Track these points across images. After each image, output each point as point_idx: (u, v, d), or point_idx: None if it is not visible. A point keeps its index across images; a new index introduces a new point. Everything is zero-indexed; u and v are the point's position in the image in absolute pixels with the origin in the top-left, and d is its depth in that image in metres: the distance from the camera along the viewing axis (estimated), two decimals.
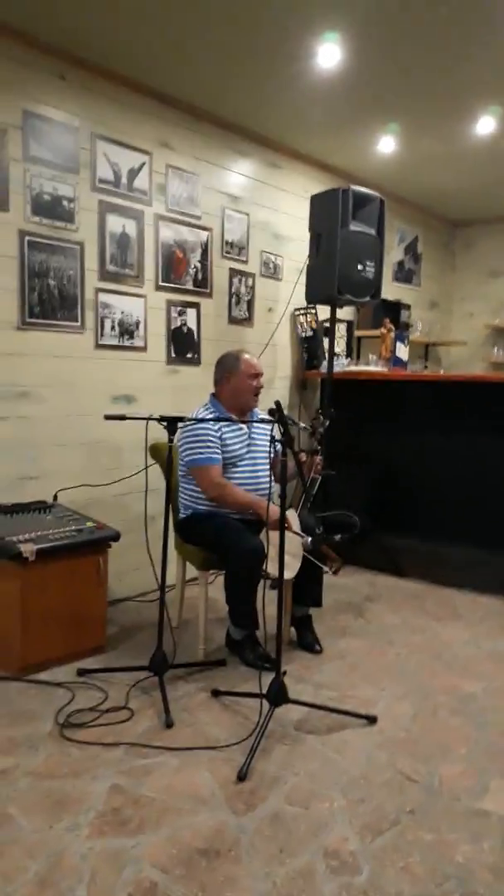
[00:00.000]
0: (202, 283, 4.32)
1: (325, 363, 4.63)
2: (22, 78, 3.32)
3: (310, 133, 4.55)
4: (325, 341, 4.69)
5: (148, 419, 2.85)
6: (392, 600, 4.13)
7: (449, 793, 2.28)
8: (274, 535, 2.75)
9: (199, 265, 4.29)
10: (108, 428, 3.50)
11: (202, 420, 3.22)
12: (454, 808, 2.20)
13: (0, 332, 3.34)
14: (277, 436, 2.64)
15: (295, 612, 3.39)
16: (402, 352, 5.13)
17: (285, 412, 2.66)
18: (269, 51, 3.41)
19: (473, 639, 3.57)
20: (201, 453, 3.21)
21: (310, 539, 2.97)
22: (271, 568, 2.86)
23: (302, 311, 5.03)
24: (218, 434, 3.26)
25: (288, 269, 4.91)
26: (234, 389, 3.38)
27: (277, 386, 4.95)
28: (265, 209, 4.73)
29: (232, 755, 2.44)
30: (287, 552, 2.66)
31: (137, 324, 3.95)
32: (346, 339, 5.49)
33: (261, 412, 3.43)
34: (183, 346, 4.24)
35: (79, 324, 3.65)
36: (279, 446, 2.65)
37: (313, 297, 4.25)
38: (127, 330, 3.89)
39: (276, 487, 2.85)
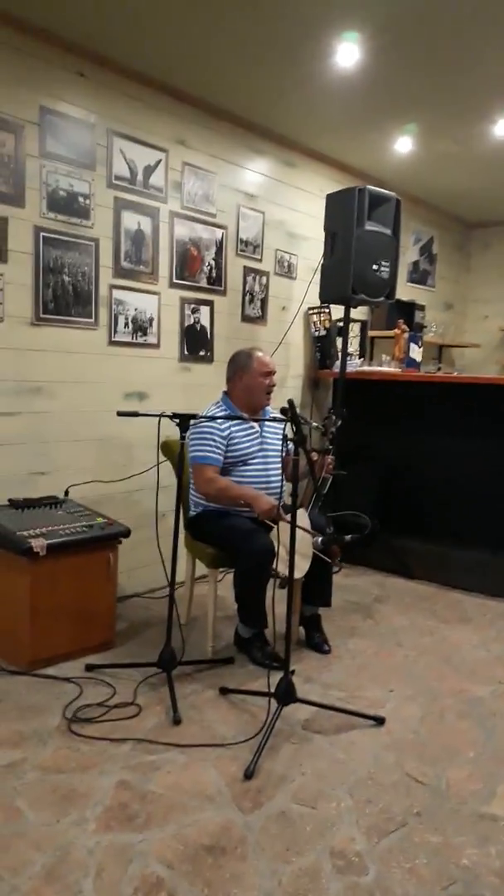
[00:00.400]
0: (216, 281, 4.32)
1: (337, 363, 4.62)
2: (40, 74, 3.33)
3: (326, 132, 4.55)
4: (339, 341, 4.68)
5: (160, 416, 2.85)
6: (401, 602, 4.12)
7: (456, 796, 2.27)
8: (284, 535, 2.75)
9: (213, 263, 4.29)
10: (119, 424, 3.51)
11: (213, 418, 3.22)
12: (461, 812, 2.19)
13: (14, 327, 3.35)
14: (290, 435, 2.64)
15: (304, 611, 3.39)
16: (416, 353, 5.11)
17: (297, 411, 2.66)
18: (287, 49, 3.40)
19: (482, 642, 3.56)
20: (200, 451, 3.22)
21: (320, 539, 2.97)
22: (281, 567, 2.86)
23: (315, 311, 5.02)
24: (225, 433, 3.26)
25: (302, 267, 4.90)
26: (247, 387, 3.37)
27: (290, 385, 4.95)
28: (280, 207, 4.73)
29: (239, 753, 2.44)
30: (297, 552, 2.66)
31: (151, 321, 3.95)
32: (359, 339, 5.47)
33: (273, 411, 3.43)
34: (196, 343, 4.25)
35: (92, 320, 3.66)
36: (291, 445, 2.65)
37: (327, 296, 4.24)
38: (140, 327, 3.90)
39: (287, 486, 2.85)
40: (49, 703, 2.74)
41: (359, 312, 5.37)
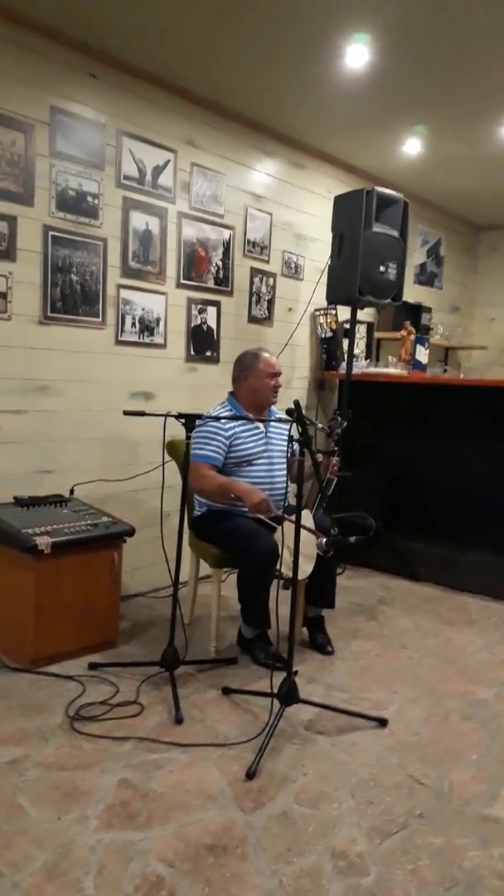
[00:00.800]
0: (223, 282, 4.33)
1: (343, 364, 4.62)
2: (51, 75, 3.34)
3: (335, 133, 4.55)
4: (345, 342, 4.68)
5: (166, 416, 2.86)
6: (405, 604, 4.11)
7: (459, 798, 2.26)
8: (288, 536, 2.75)
9: (220, 263, 4.29)
10: (125, 424, 3.51)
11: (217, 418, 3.23)
12: (464, 814, 2.18)
13: (22, 326, 3.36)
14: (296, 436, 2.64)
15: (308, 612, 3.39)
16: (422, 355, 5.10)
17: (303, 412, 2.65)
18: (297, 51, 3.41)
19: (487, 645, 3.55)
20: (200, 449, 3.22)
21: (324, 540, 2.97)
22: (285, 568, 2.86)
23: (322, 312, 5.02)
24: (228, 433, 3.26)
25: (309, 269, 4.90)
26: (252, 388, 3.38)
27: (295, 386, 4.95)
28: (288, 209, 4.73)
29: (241, 753, 2.43)
30: (301, 553, 2.66)
31: (158, 321, 3.96)
32: (365, 340, 5.48)
33: (278, 411, 3.43)
34: (202, 344, 4.25)
35: (100, 319, 3.67)
36: (297, 446, 2.65)
37: (334, 297, 4.24)
38: (147, 327, 3.91)
39: (292, 487, 2.85)
40: (52, 700, 2.75)
41: (365, 314, 5.37)
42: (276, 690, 2.57)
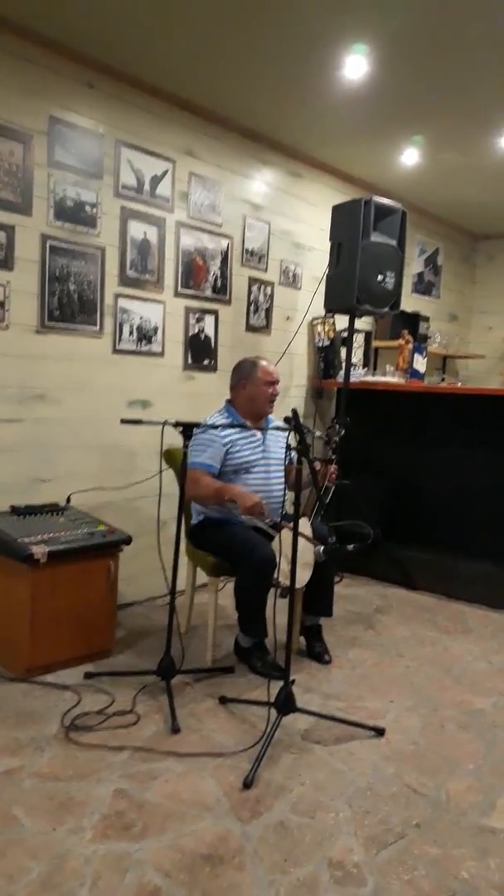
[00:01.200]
0: (221, 291, 4.34)
1: (341, 373, 4.63)
2: (49, 85, 3.36)
3: (333, 143, 4.57)
4: (343, 351, 4.69)
5: (164, 424, 2.86)
6: (403, 613, 4.11)
7: (456, 808, 2.25)
8: (286, 545, 2.74)
9: (218, 273, 4.30)
10: (122, 432, 3.52)
11: (214, 426, 3.23)
12: (461, 824, 2.17)
13: (19, 334, 3.37)
14: (294, 444, 2.64)
15: (305, 621, 3.38)
16: (420, 363, 5.11)
17: (301, 420, 2.66)
18: (296, 61, 3.42)
19: (483, 654, 3.54)
20: (196, 456, 3.23)
21: (322, 548, 2.96)
22: (282, 577, 2.85)
23: (320, 321, 5.03)
24: (225, 441, 3.27)
25: (307, 278, 4.92)
26: (250, 396, 3.38)
27: (293, 394, 4.95)
28: (286, 218, 4.75)
29: (238, 762, 2.43)
30: (299, 561, 2.65)
31: (155, 329, 3.96)
32: (363, 349, 5.48)
33: (275, 419, 3.44)
34: (200, 352, 4.26)
35: (97, 328, 3.68)
36: (294, 454, 2.65)
37: (332, 306, 4.25)
38: (145, 335, 3.91)
39: (289, 495, 2.85)
40: (47, 710, 2.73)
41: (363, 323, 5.38)
42: (272, 699, 2.56)
